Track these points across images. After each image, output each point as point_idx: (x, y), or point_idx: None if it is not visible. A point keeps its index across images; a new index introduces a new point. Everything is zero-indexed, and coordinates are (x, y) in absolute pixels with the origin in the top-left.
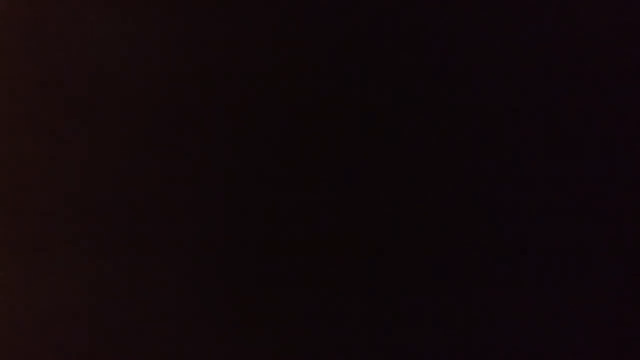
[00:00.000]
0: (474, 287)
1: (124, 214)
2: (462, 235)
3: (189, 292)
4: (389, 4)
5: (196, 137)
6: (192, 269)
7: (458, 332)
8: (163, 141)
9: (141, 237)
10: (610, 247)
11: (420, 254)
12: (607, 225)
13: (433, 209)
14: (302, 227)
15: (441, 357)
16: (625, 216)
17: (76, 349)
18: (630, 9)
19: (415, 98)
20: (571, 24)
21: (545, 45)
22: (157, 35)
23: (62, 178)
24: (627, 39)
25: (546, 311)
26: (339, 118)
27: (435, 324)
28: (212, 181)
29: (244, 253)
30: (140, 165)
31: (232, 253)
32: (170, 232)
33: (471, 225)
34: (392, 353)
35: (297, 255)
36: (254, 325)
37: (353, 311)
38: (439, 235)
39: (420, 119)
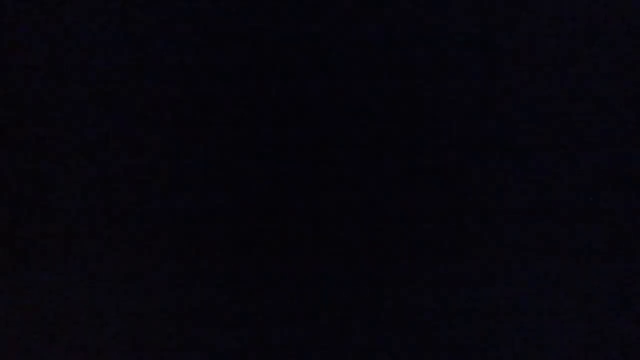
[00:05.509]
0: (473, 286)
1: (123, 214)
2: (461, 234)
3: (190, 292)
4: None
5: (196, 137)
6: (192, 269)
7: (456, 330)
8: (162, 141)
9: (140, 237)
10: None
11: (418, 252)
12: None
13: (428, 207)
14: (301, 226)
15: (441, 356)
16: (625, 216)
17: (76, 349)
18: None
19: (408, 97)
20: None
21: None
22: (156, 35)
23: (62, 178)
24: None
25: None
26: (336, 117)
27: (436, 324)
28: (213, 181)
29: (245, 253)
30: (139, 165)
31: (233, 253)
32: (170, 232)
33: (469, 224)
34: (392, 352)
35: (295, 255)
36: (254, 325)
37: (352, 310)
38: (434, 234)
39: (416, 117)
